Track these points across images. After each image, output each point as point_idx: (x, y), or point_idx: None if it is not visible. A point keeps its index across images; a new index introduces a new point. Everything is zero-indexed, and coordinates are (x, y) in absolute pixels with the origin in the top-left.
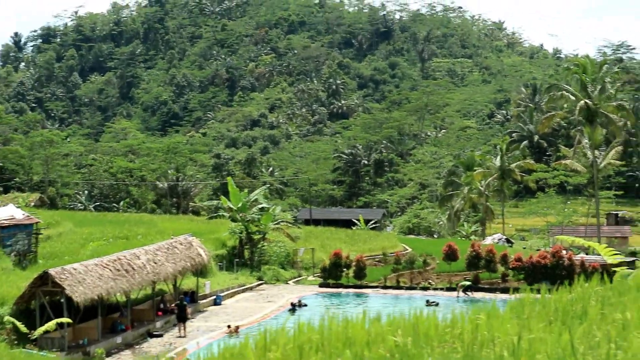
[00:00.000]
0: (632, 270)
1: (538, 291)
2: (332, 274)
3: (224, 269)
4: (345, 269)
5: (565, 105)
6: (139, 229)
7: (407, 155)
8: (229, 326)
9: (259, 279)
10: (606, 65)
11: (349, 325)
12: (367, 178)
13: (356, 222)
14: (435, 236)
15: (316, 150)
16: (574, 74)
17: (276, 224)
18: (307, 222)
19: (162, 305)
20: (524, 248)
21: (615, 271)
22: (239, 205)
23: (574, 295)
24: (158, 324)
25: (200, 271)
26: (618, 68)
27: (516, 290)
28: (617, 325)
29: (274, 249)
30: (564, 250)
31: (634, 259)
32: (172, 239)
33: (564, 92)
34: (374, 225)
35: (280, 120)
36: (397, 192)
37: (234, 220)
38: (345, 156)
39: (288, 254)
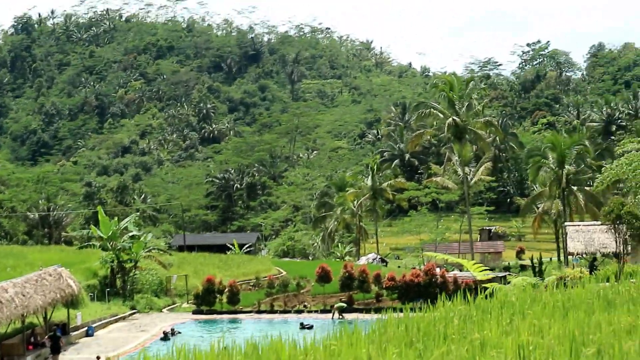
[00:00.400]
0: (503, 285)
1: (412, 310)
2: (206, 300)
3: (96, 299)
4: (218, 295)
5: (435, 123)
6: (8, 261)
7: (280, 177)
8: (98, 357)
9: (132, 308)
10: (472, 82)
11: (198, 357)
12: (241, 202)
13: (230, 246)
14: (310, 258)
15: (188, 176)
16: (441, 92)
17: (147, 251)
18: (181, 248)
19: (32, 339)
20: (399, 267)
21: (485, 287)
22: (109, 234)
23: (437, 315)
24: (29, 358)
25: (71, 302)
26: (484, 85)
27: (381, 310)
28: (475, 344)
29: (146, 277)
30: (437, 267)
31: (506, 273)
32: (40, 270)
33: (432, 109)
34: (248, 249)
35: (152, 147)
36: (271, 215)
37: (104, 249)
38: (217, 181)
39: (161, 281)
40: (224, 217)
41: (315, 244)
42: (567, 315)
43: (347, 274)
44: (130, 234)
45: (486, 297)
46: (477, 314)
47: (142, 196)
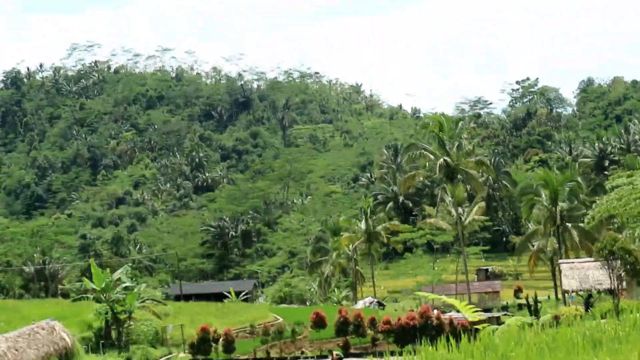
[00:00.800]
0: (493, 327)
1: (410, 352)
2: (201, 349)
3: (91, 352)
4: (214, 344)
5: (426, 164)
6: (1, 315)
7: (275, 224)
8: None
9: (128, 359)
10: (461, 122)
11: None
12: (236, 250)
13: (227, 294)
14: (307, 303)
15: (183, 225)
16: (431, 132)
17: (142, 302)
18: (178, 297)
19: None
20: (396, 310)
21: (477, 329)
22: (103, 285)
23: None
24: None
25: (66, 355)
26: (474, 124)
27: (377, 354)
28: None
29: (141, 328)
30: (435, 309)
31: (501, 314)
32: (33, 324)
33: (423, 150)
34: (245, 297)
35: (146, 197)
36: (267, 261)
37: (98, 301)
38: (212, 229)
39: (157, 331)
40: (220, 265)
41: (312, 290)
42: (549, 357)
43: (342, 319)
44: (124, 285)
45: (469, 340)
46: (460, 358)
47: (138, 247)
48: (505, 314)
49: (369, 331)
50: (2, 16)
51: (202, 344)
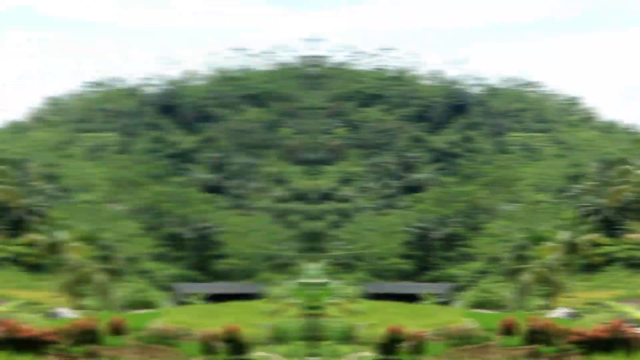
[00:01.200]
0: None
1: None
2: (389, 349)
3: None
4: (402, 344)
5: (638, 180)
6: None
7: (479, 229)
8: None
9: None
10: None
11: None
12: (437, 252)
13: (423, 296)
14: (502, 310)
15: (387, 224)
16: None
17: (334, 299)
18: (373, 296)
19: None
20: (590, 322)
21: None
22: None
23: None
24: None
25: None
26: None
27: None
28: None
29: (331, 325)
30: (629, 324)
31: None
32: None
33: (629, 166)
34: (442, 300)
35: (352, 194)
36: (467, 266)
37: None
38: (416, 230)
39: (346, 329)
40: (419, 266)
41: (510, 296)
42: None
43: (532, 327)
44: (318, 281)
45: None
46: None
47: (339, 243)
48: None
49: (558, 341)
50: None
51: (391, 344)
